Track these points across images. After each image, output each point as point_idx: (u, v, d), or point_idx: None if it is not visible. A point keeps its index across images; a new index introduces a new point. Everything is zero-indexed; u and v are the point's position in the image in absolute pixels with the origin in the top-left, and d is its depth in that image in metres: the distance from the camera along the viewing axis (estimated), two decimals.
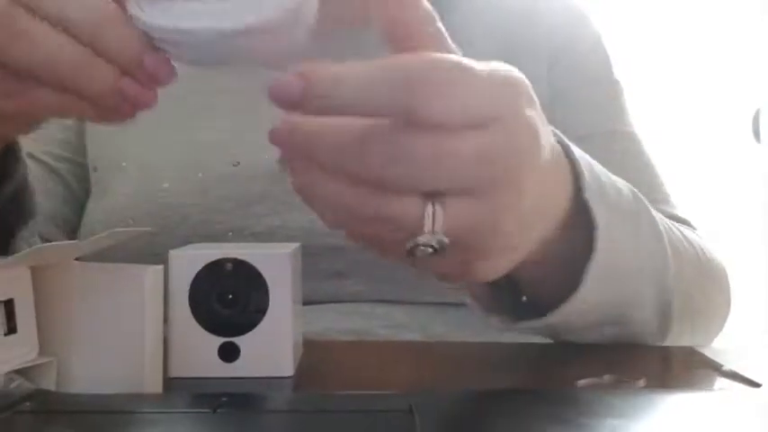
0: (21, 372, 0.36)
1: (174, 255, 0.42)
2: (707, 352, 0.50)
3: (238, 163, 0.60)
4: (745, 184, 1.91)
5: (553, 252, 0.42)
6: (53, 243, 0.36)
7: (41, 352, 0.38)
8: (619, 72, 0.72)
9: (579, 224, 0.43)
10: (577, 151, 0.44)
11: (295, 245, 0.45)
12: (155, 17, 0.34)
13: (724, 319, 0.62)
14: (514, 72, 0.36)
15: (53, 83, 0.35)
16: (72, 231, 0.67)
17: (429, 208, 0.33)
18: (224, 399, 0.35)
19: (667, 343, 0.52)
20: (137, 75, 0.35)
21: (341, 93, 0.31)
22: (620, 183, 0.49)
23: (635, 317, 0.49)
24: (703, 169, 1.86)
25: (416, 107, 0.31)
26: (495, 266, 0.38)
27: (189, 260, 0.42)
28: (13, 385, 0.36)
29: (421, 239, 0.33)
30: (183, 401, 0.37)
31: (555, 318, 0.44)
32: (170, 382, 0.40)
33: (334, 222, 0.36)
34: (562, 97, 0.67)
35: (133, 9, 0.35)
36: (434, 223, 0.33)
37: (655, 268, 0.49)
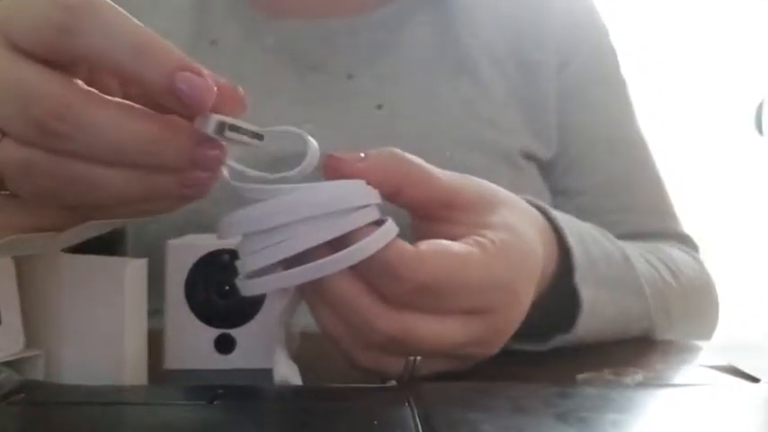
0: (7, 363, 0.36)
1: (171, 245, 0.42)
2: (706, 347, 0.50)
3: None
4: (747, 178, 1.90)
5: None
6: (31, 234, 0.35)
7: (28, 344, 0.37)
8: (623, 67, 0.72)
9: (566, 296, 0.46)
10: (568, 225, 0.46)
11: None
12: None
13: (711, 330, 0.63)
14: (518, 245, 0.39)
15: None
16: None
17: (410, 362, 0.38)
18: (220, 391, 0.35)
19: None
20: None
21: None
22: (609, 245, 0.51)
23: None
24: (705, 163, 1.86)
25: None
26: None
27: (186, 251, 0.41)
28: (0, 377, 0.35)
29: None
30: (179, 393, 0.37)
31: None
32: (165, 374, 0.40)
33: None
34: (574, 96, 0.67)
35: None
36: (411, 372, 0.38)
37: (634, 326, 0.51)
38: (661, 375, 0.42)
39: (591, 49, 0.69)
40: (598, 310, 0.47)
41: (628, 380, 0.38)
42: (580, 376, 0.38)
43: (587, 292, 0.46)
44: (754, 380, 0.39)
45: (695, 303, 0.60)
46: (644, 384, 0.38)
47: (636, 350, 0.49)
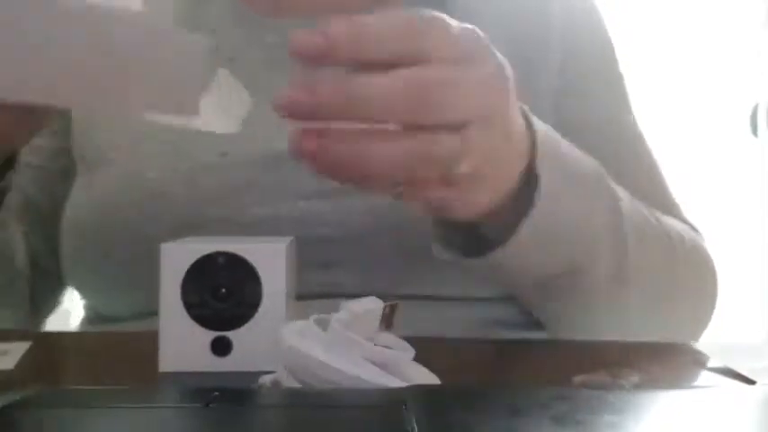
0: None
1: (167, 248, 0.41)
2: (701, 349, 0.50)
3: (226, 153, 0.60)
4: (742, 179, 1.91)
5: (508, 207, 0.45)
6: None
7: None
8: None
9: (530, 191, 0.46)
10: (542, 127, 0.47)
11: (289, 238, 0.45)
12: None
13: (707, 310, 0.63)
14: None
15: None
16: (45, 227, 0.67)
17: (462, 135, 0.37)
18: (216, 393, 0.35)
19: (639, 325, 0.54)
20: None
21: (361, 45, 0.35)
22: (588, 163, 0.51)
23: (583, 280, 0.51)
24: (701, 164, 1.86)
25: (428, 49, 0.37)
26: (478, 203, 0.43)
27: (181, 254, 0.41)
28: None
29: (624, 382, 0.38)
30: (175, 396, 0.37)
31: (493, 259, 0.46)
32: (161, 376, 0.40)
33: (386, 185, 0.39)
34: (574, 92, 0.67)
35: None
36: (471, 150, 0.38)
37: (609, 242, 0.51)
38: (657, 377, 0.42)
39: (591, 47, 0.69)
40: (562, 202, 0.47)
41: (624, 382, 0.38)
42: (576, 378, 0.38)
43: (547, 177, 0.46)
44: (750, 382, 0.40)
45: (684, 257, 0.59)
46: (640, 386, 0.38)
47: (632, 352, 0.49)
